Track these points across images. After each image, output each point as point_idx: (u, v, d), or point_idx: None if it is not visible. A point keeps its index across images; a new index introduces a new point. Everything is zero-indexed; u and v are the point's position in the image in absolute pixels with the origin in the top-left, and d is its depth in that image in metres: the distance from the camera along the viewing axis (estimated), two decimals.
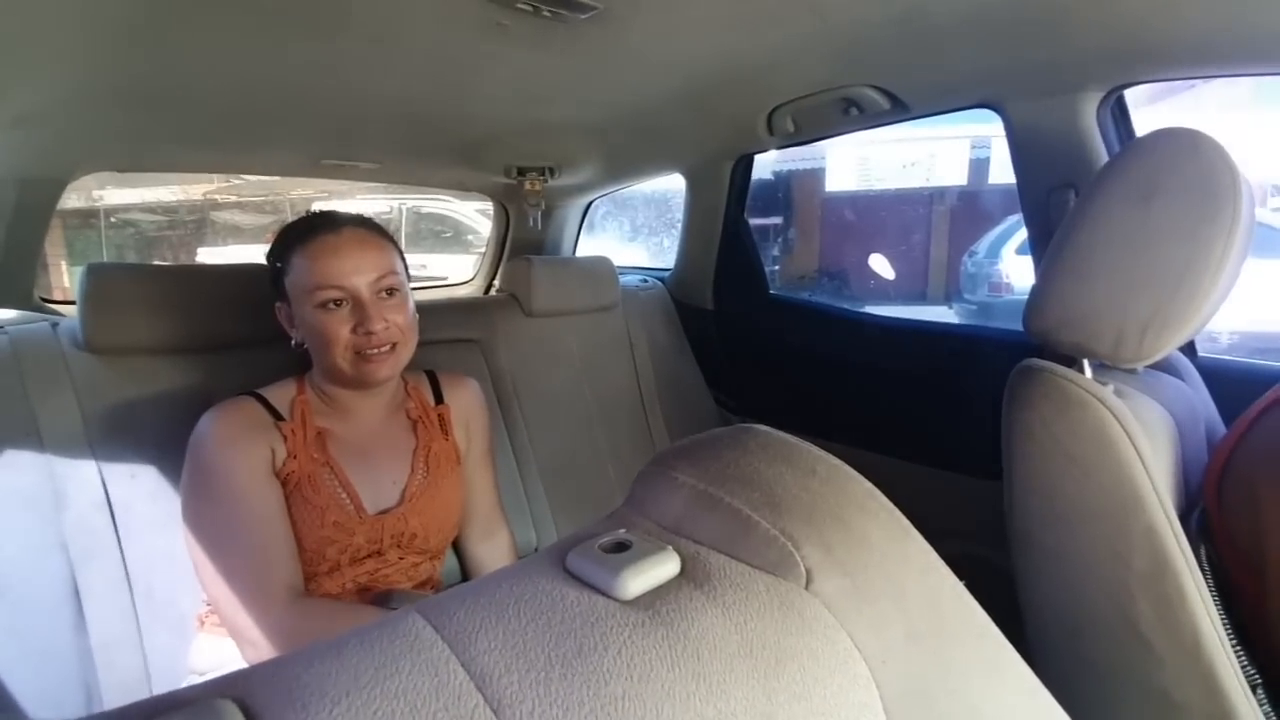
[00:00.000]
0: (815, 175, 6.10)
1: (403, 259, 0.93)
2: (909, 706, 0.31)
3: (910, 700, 0.31)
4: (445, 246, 4.97)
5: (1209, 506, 0.67)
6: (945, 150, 5.48)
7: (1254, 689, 0.63)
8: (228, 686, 0.25)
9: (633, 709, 0.26)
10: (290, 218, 0.96)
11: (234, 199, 5.77)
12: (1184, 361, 0.92)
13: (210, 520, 0.84)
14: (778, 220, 6.25)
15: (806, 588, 0.32)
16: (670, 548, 0.33)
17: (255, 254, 1.13)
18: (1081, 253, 0.67)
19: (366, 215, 0.93)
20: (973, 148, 5.37)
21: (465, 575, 1.12)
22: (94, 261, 1.22)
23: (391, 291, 0.89)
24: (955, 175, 5.58)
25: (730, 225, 1.68)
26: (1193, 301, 0.62)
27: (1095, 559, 0.67)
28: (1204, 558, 0.65)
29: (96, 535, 0.91)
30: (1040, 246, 1.10)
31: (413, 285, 0.95)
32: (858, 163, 5.93)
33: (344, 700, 0.24)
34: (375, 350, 0.87)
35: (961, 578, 0.36)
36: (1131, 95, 1.02)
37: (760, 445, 0.38)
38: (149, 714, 0.23)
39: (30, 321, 1.03)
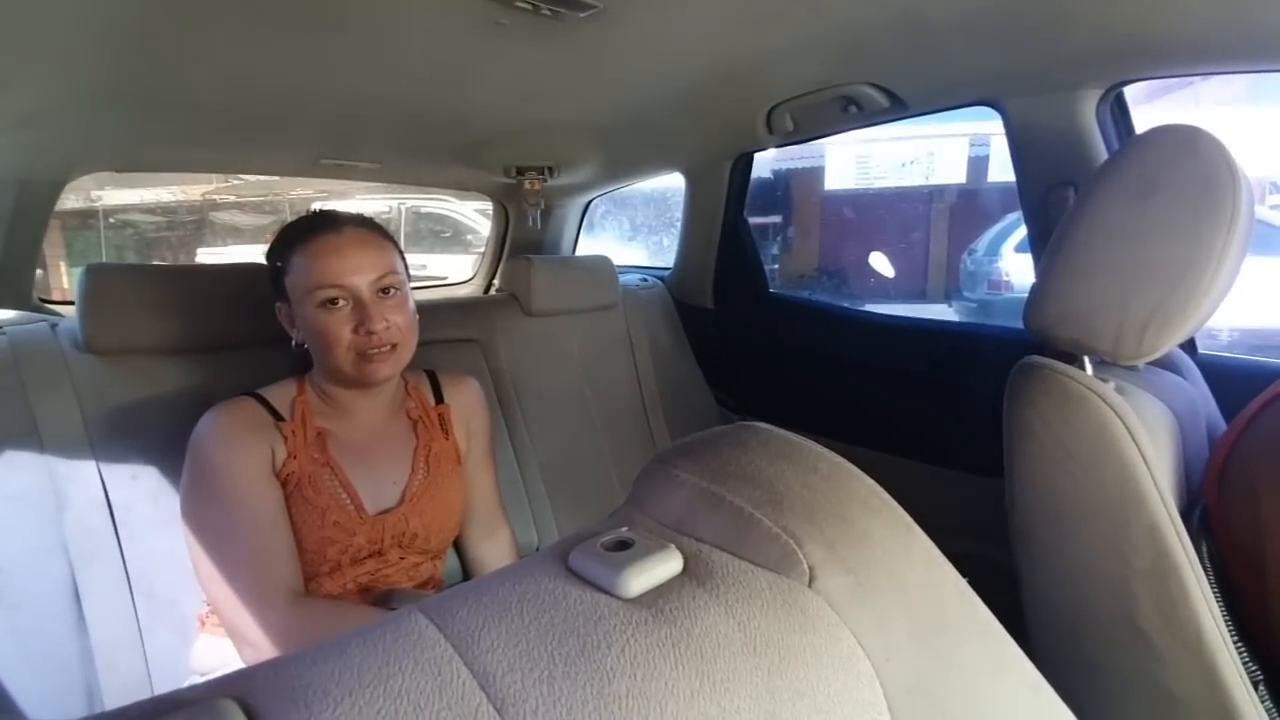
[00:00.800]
0: (814, 174, 6.08)
1: (403, 259, 0.93)
2: (913, 703, 0.31)
3: (914, 697, 0.31)
4: (445, 246, 4.96)
5: (1210, 503, 0.67)
6: (944, 148, 5.46)
7: (1256, 685, 0.63)
8: (229, 686, 0.25)
9: (636, 707, 0.26)
10: (289, 218, 0.96)
11: (233, 199, 5.77)
12: (1184, 358, 0.92)
13: (210, 521, 0.84)
14: (777, 219, 6.24)
15: (809, 585, 0.32)
16: (672, 546, 0.33)
17: (255, 254, 1.13)
18: (1081, 250, 0.67)
19: (366, 215, 0.93)
20: (972, 145, 5.35)
21: (467, 575, 1.12)
22: (93, 262, 1.22)
23: (392, 291, 0.89)
24: (954, 173, 5.57)
25: (730, 224, 1.68)
26: (1193, 298, 0.62)
27: (1096, 556, 0.67)
28: (1205, 554, 0.65)
29: (97, 536, 0.91)
30: (1040, 244, 1.10)
31: (412, 285, 0.94)
32: (857, 161, 5.92)
33: (347, 700, 0.24)
34: (376, 350, 0.87)
35: (963, 575, 0.36)
36: (1130, 92, 1.02)
37: (761, 443, 0.38)
38: (150, 714, 0.23)
39: (29, 322, 1.03)
